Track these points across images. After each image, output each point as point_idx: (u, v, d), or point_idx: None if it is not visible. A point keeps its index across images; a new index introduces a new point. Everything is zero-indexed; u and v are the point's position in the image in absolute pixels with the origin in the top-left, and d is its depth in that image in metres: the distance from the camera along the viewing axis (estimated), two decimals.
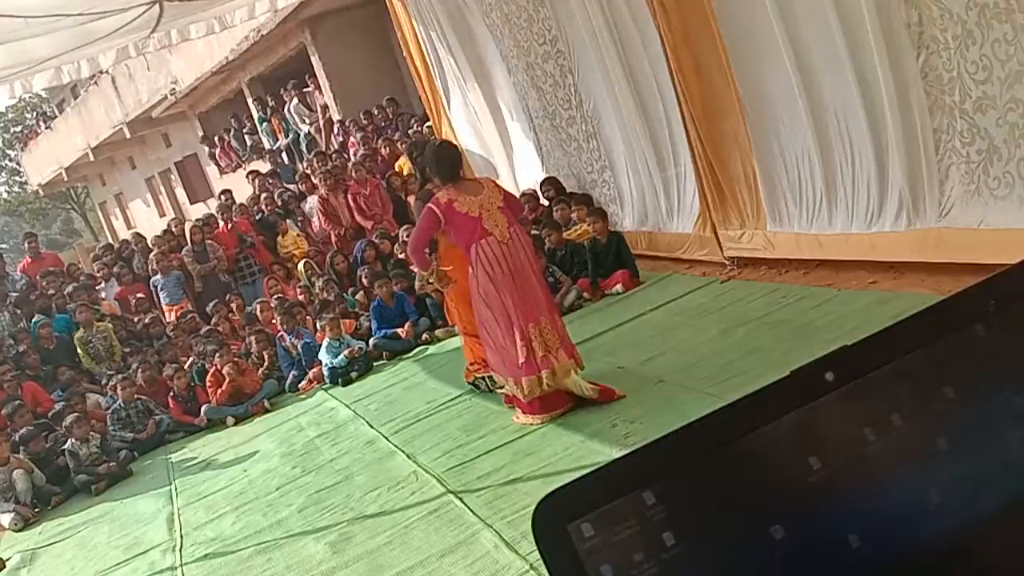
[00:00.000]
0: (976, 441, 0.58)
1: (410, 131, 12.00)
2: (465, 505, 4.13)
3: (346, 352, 7.49)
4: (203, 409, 7.78)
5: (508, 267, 4.66)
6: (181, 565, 4.79)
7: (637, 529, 0.56)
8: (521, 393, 4.77)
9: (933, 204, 4.77)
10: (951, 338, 0.60)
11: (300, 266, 9.63)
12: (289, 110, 16.10)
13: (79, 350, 9.18)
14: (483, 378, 5.59)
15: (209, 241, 10.29)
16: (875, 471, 0.57)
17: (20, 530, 6.67)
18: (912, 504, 0.57)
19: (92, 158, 26.10)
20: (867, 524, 0.56)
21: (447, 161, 4.92)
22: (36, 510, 6.90)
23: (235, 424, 7.55)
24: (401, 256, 8.76)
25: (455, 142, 7.59)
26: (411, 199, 9.34)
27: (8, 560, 6.06)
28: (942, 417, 0.59)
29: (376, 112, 13.42)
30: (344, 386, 7.32)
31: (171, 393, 8.01)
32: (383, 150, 11.42)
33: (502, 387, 5.09)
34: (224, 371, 7.70)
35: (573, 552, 0.55)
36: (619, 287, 7.05)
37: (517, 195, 6.55)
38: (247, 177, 13.43)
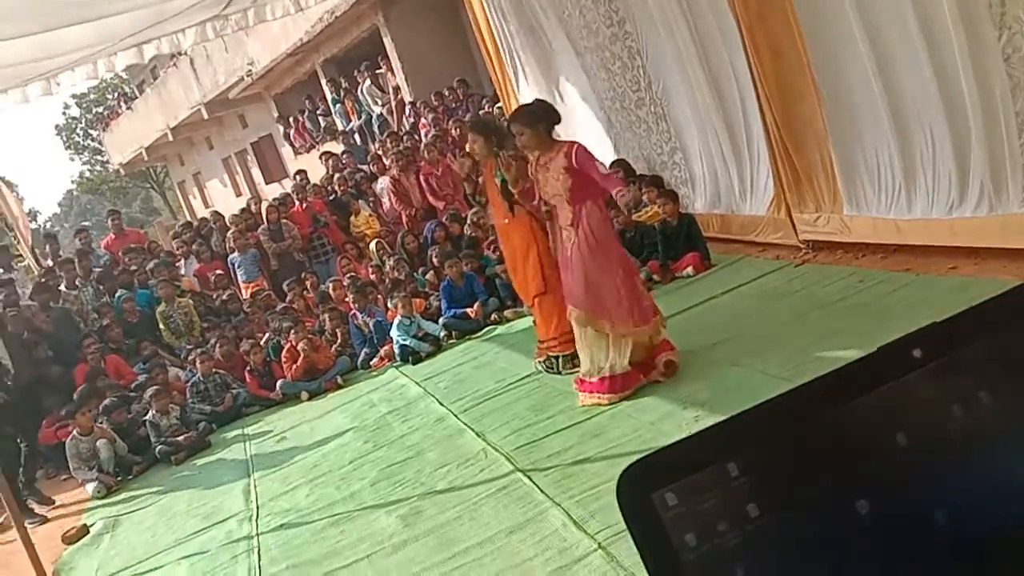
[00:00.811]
0: None
1: (481, 112, 12.02)
2: (534, 483, 4.16)
3: (430, 342, 7.59)
4: (279, 384, 7.97)
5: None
6: (257, 534, 4.93)
7: (721, 500, 0.57)
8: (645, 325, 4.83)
9: (1016, 189, 4.61)
10: None
11: (372, 246, 9.75)
12: (362, 91, 16.28)
13: (160, 324, 9.46)
14: (556, 357, 5.60)
15: (284, 220, 10.48)
16: (962, 448, 0.57)
17: (103, 497, 6.94)
18: (1000, 482, 0.57)
19: (171, 138, 26.75)
20: (954, 501, 0.56)
21: (553, 115, 4.99)
22: (118, 478, 7.17)
23: (309, 399, 7.71)
24: (473, 235, 8.79)
25: None
26: (481, 180, 9.37)
27: (92, 525, 6.30)
28: None
29: (447, 93, 13.48)
30: (414, 364, 7.42)
31: (248, 368, 8.22)
32: (453, 131, 11.47)
33: (575, 368, 5.10)
34: (299, 347, 7.87)
35: (658, 520, 0.56)
36: (690, 270, 6.99)
37: None
38: (320, 158, 13.63)
